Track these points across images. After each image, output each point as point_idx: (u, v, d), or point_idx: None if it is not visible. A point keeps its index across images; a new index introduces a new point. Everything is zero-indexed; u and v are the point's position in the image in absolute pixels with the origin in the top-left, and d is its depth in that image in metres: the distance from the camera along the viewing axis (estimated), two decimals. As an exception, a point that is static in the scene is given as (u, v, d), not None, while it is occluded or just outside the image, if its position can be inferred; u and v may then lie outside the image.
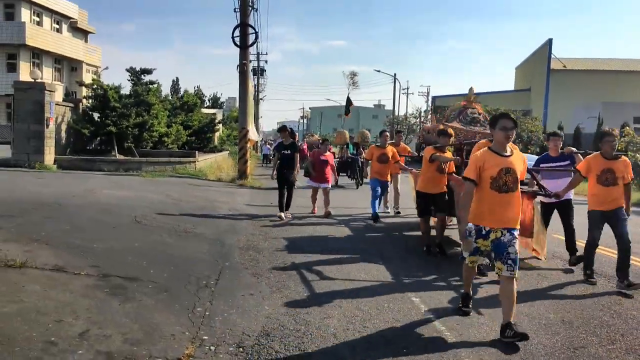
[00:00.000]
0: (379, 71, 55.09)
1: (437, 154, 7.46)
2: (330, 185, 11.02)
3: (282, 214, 10.01)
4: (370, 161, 10.46)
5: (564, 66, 38.71)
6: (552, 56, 38.49)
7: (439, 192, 7.60)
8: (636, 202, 14.52)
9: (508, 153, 4.42)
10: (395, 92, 54.81)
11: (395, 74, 54.40)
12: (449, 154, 7.71)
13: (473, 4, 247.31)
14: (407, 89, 72.31)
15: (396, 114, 56.00)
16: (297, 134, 28.45)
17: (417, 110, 52.99)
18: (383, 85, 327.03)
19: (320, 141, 12.47)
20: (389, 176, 10.55)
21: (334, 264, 6.66)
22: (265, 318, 4.57)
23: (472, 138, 8.14)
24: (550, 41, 38.69)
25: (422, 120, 51.74)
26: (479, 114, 8.80)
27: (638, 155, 17.98)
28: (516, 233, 4.36)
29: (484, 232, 4.40)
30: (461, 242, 4.54)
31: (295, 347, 3.99)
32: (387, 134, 10.72)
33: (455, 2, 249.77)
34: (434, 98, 52.23)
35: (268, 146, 29.31)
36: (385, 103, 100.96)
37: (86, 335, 3.82)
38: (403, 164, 10.54)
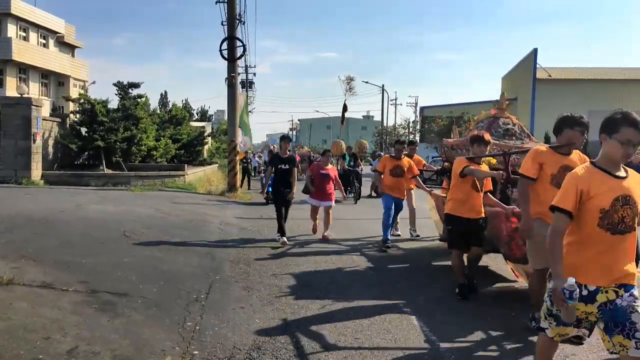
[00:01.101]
0: (367, 82, 55.34)
1: (471, 166, 5.71)
2: (333, 203, 9.61)
3: (285, 238, 8.64)
4: (382, 174, 8.90)
5: (550, 75, 39.14)
6: (538, 66, 38.92)
7: (475, 218, 5.76)
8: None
9: (623, 174, 2.98)
10: (383, 103, 55.24)
11: (383, 85, 54.95)
12: (485, 168, 5.98)
13: (461, 14, 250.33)
14: (395, 99, 72.63)
15: (385, 124, 56.33)
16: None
17: (405, 121, 53.33)
18: (372, 97, 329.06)
19: (321, 152, 10.77)
20: (404, 193, 9.03)
21: (326, 276, 6.65)
22: (257, 332, 4.55)
23: None
24: (535, 51, 39.14)
25: (410, 130, 52.05)
26: (514, 125, 7.39)
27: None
28: (636, 292, 2.94)
29: (585, 292, 2.90)
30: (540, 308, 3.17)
31: (286, 360, 3.98)
32: (405, 145, 9.45)
33: (443, 12, 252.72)
34: (422, 108, 52.60)
35: (257, 158, 28.71)
36: (374, 114, 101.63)
37: (75, 352, 3.77)
38: (420, 181, 9.15)
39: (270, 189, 9.18)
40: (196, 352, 4.02)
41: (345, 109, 22.44)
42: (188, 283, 5.96)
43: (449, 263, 6.38)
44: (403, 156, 8.99)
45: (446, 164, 8.10)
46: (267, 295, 5.68)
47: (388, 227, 8.65)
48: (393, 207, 8.74)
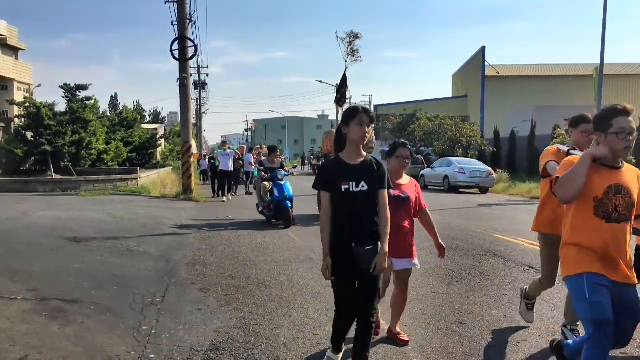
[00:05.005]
0: (321, 82, 55.60)
1: None
2: (417, 262, 4.32)
3: None
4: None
5: (498, 73, 40.28)
6: (486, 63, 39.98)
7: None
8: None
9: None
10: (337, 102, 55.46)
11: (337, 84, 55.13)
12: None
13: (411, 13, 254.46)
14: (350, 98, 73.22)
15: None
16: (243, 145, 27.46)
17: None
18: (326, 96, 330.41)
19: (387, 149, 4.69)
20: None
21: (283, 274, 6.64)
22: (214, 332, 4.50)
23: None
24: (483, 49, 40.20)
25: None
26: None
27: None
28: None
29: None
30: None
31: (245, 359, 3.95)
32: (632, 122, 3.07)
33: (393, 10, 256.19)
34: (375, 107, 53.18)
35: (207, 161, 26.97)
36: (329, 113, 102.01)
37: (24, 362, 3.64)
38: None
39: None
40: (152, 356, 3.94)
41: (344, 82, 14.78)
42: (143, 287, 5.84)
43: None
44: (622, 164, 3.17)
45: None
46: (225, 296, 5.62)
47: None
48: (609, 311, 2.92)
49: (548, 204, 4.19)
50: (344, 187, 3.36)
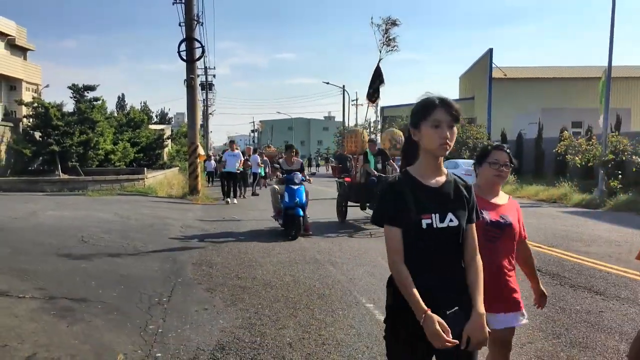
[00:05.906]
0: (328, 83, 55.82)
1: None
2: (524, 317, 2.91)
3: None
4: None
5: (505, 75, 40.10)
6: (493, 65, 39.84)
7: None
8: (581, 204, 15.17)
9: None
10: (344, 104, 55.65)
11: (344, 86, 55.24)
12: None
13: (418, 14, 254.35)
14: (357, 100, 73.00)
15: (346, 125, 56.71)
16: (250, 147, 27.35)
17: (366, 121, 53.84)
18: (333, 97, 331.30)
19: (479, 153, 3.10)
20: None
21: (289, 275, 6.66)
22: (220, 332, 4.53)
23: None
24: (491, 51, 40.06)
25: (371, 130, 52.48)
26: None
27: (577, 158, 18.76)
28: None
29: None
30: None
31: (251, 359, 3.98)
32: None
33: (398, 13, 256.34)
34: (382, 108, 53.12)
35: (213, 162, 26.52)
36: (335, 115, 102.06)
37: (33, 359, 3.69)
38: None
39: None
40: (159, 355, 3.98)
41: (379, 75, 12.78)
42: (149, 287, 5.88)
43: None
44: None
45: None
46: (231, 296, 5.65)
47: None
48: None
49: None
50: (425, 222, 2.14)
